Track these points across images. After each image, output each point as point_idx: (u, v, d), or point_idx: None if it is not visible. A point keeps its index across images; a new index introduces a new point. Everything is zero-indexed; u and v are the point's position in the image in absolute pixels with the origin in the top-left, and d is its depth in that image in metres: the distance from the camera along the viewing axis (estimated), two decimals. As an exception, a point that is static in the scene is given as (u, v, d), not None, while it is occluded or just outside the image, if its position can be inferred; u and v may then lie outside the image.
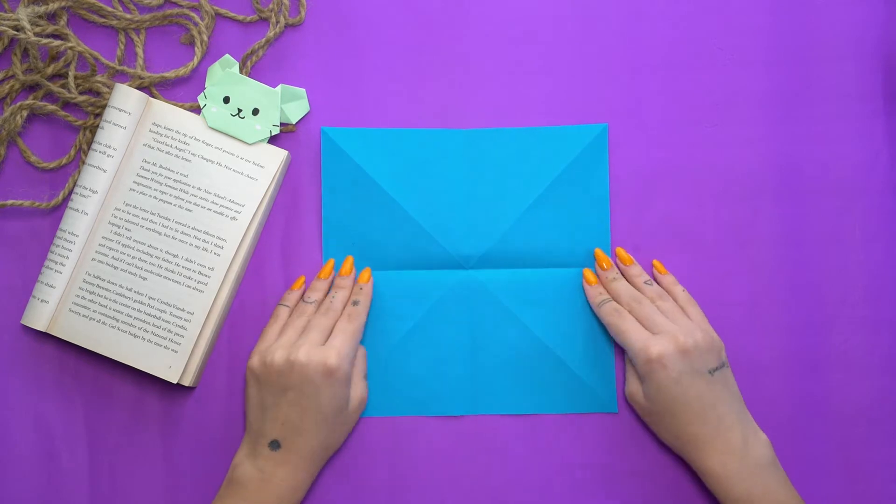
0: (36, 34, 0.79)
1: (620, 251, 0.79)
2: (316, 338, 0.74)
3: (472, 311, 0.79)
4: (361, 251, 0.79)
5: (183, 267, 0.78)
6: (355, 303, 0.77)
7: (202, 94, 0.80)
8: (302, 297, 0.79)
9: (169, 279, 0.77)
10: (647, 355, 0.72)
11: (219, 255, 0.78)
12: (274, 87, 0.80)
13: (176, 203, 0.78)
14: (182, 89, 0.81)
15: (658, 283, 0.79)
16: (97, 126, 0.80)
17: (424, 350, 0.78)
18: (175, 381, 0.77)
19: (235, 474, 0.74)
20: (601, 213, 0.79)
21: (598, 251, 0.79)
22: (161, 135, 0.79)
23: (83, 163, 0.80)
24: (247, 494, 0.72)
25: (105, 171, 0.78)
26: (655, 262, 0.79)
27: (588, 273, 0.78)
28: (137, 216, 0.78)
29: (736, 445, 0.72)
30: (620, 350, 0.79)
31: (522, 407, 0.78)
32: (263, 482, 0.72)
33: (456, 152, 0.80)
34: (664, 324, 0.74)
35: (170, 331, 0.77)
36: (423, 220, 0.79)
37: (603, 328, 0.78)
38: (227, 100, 0.79)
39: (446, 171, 0.80)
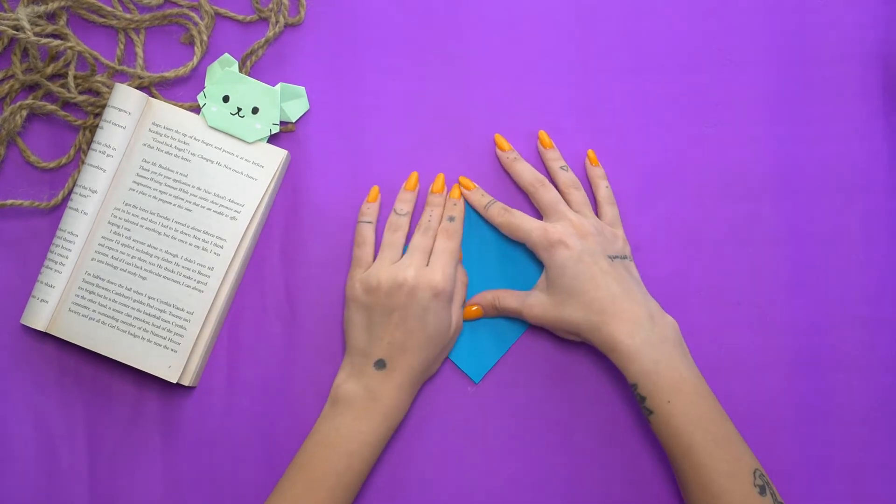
0: (35, 34, 0.79)
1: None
2: (420, 259, 0.75)
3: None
4: None
5: (183, 267, 0.78)
6: (451, 219, 0.78)
7: (202, 93, 0.80)
8: (393, 209, 0.79)
9: (168, 279, 0.77)
10: (548, 237, 0.74)
11: (218, 254, 0.78)
12: (273, 86, 0.80)
13: (176, 203, 0.78)
14: (182, 89, 0.81)
15: (588, 174, 0.80)
16: (97, 126, 0.80)
17: None
18: (175, 381, 0.77)
19: (340, 392, 0.74)
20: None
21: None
22: (161, 134, 0.79)
23: (83, 162, 0.80)
24: (354, 412, 0.73)
25: (105, 171, 0.78)
26: (589, 151, 0.80)
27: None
28: (137, 216, 0.78)
29: (642, 317, 0.72)
30: None
31: None
32: (370, 400, 0.73)
33: None
34: (565, 212, 0.76)
35: (169, 330, 0.77)
36: None
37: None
38: (226, 99, 0.79)
39: None
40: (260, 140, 0.79)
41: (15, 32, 0.77)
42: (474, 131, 0.81)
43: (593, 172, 0.80)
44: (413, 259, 0.75)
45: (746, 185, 0.81)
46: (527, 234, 0.75)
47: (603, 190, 0.79)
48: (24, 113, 0.79)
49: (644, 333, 0.72)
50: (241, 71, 0.81)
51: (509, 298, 0.78)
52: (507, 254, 0.80)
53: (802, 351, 0.80)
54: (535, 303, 0.76)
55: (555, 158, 0.80)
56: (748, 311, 0.80)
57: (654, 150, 0.81)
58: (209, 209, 0.78)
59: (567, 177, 0.79)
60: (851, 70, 0.81)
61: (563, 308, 0.74)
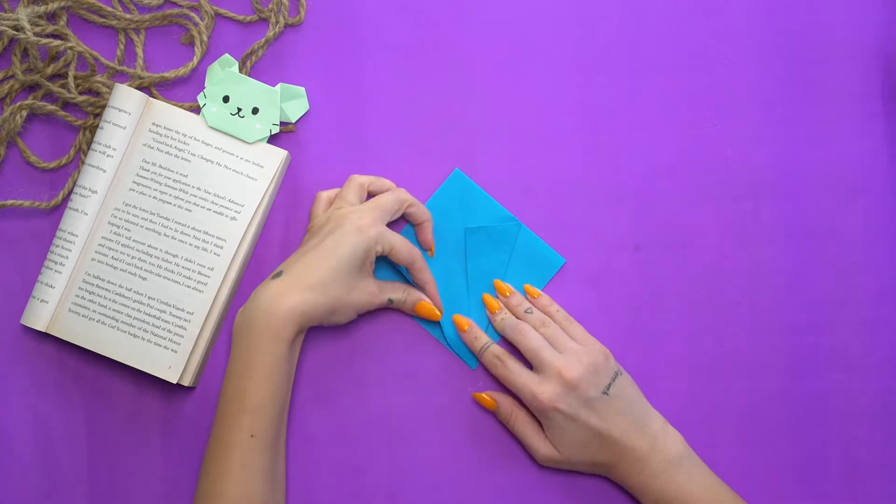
0: (36, 34, 0.79)
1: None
2: (355, 201, 0.77)
3: None
4: None
5: (183, 267, 0.78)
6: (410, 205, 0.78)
7: (202, 93, 0.80)
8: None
9: (168, 279, 0.77)
10: (540, 404, 0.74)
11: (218, 255, 0.78)
12: (273, 86, 0.80)
13: (176, 203, 0.78)
14: (182, 89, 0.81)
15: (535, 307, 0.79)
16: (97, 126, 0.80)
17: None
18: (175, 381, 0.77)
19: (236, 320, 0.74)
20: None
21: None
22: (161, 135, 0.79)
23: (83, 163, 0.80)
24: (237, 334, 0.72)
25: (105, 171, 0.78)
26: (526, 286, 0.79)
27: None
28: (137, 216, 0.78)
29: (645, 451, 0.74)
30: None
31: None
32: (253, 311, 0.72)
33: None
34: (551, 361, 0.74)
35: (169, 331, 0.77)
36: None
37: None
38: (226, 99, 0.80)
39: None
40: (260, 140, 0.79)
41: (15, 32, 0.77)
42: (474, 131, 0.81)
43: (541, 303, 0.79)
44: (354, 205, 0.76)
45: (746, 185, 0.81)
46: (520, 392, 0.75)
47: (556, 314, 0.78)
48: (24, 113, 0.79)
49: (649, 467, 0.74)
50: (241, 71, 0.81)
51: (527, 427, 0.77)
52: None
53: (802, 351, 0.80)
54: (545, 452, 0.76)
55: (517, 304, 0.79)
56: (748, 311, 0.80)
57: (654, 150, 0.81)
58: (209, 209, 0.78)
59: (534, 318, 0.78)
60: (851, 70, 0.81)
61: (570, 458, 0.76)
